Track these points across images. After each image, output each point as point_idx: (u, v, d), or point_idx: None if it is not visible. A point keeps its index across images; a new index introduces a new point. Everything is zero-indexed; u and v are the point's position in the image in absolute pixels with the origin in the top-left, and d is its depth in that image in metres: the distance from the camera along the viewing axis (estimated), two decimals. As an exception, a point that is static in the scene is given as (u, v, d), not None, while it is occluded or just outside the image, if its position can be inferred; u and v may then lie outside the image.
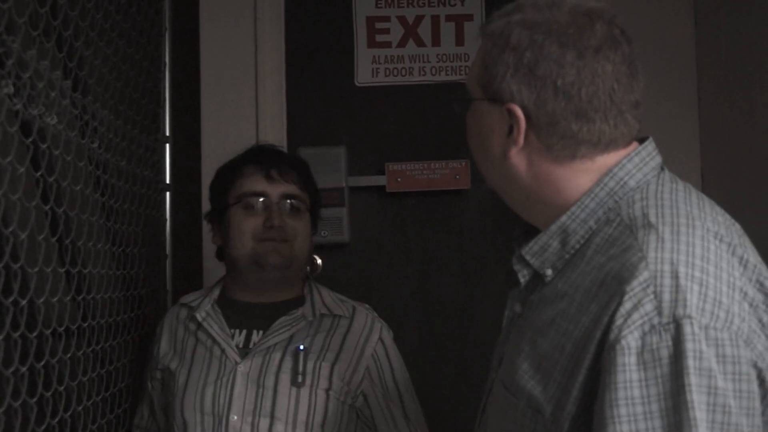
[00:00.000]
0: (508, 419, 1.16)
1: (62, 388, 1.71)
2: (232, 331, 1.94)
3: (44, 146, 1.63)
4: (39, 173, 1.62)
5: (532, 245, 1.20)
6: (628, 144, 1.18)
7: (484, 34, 1.20)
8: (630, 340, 1.00)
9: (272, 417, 1.84)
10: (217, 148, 2.56)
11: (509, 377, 1.17)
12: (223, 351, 1.90)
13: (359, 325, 1.96)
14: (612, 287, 1.04)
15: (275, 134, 2.59)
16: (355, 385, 1.90)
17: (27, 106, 1.55)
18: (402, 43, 2.71)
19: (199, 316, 1.94)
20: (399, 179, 2.62)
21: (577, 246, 1.16)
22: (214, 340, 1.92)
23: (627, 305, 1.01)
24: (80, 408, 1.82)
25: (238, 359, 1.88)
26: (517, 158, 1.18)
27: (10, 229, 1.46)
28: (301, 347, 1.88)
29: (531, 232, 1.25)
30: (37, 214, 1.58)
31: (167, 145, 2.54)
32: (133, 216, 2.22)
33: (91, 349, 1.90)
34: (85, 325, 1.86)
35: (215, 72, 2.60)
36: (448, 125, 2.67)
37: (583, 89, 1.13)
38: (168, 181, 2.54)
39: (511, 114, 1.16)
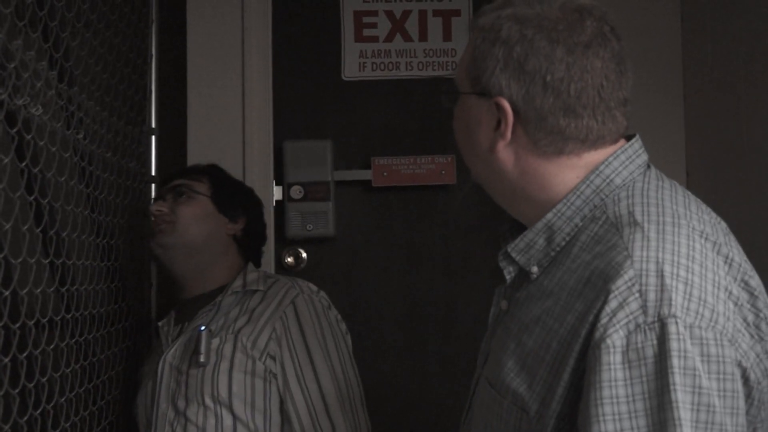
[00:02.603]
0: (494, 416, 1.16)
1: (45, 379, 1.70)
2: (177, 327, 2.03)
3: (29, 137, 1.62)
4: (23, 164, 1.61)
5: (517, 242, 1.20)
6: (615, 141, 1.18)
7: (474, 27, 1.20)
8: (615, 338, 1.00)
9: (186, 399, 1.90)
10: (203, 141, 2.57)
11: (495, 375, 1.17)
12: (161, 346, 2.01)
13: (273, 293, 1.99)
14: (597, 285, 1.04)
15: (261, 127, 2.59)
16: (260, 349, 1.90)
17: (12, 97, 1.54)
18: (389, 38, 2.71)
19: (160, 323, 2.07)
20: (385, 173, 2.62)
21: (563, 243, 1.16)
22: (160, 339, 2.05)
23: (612, 304, 1.01)
24: (63, 399, 1.81)
25: (165, 350, 1.98)
26: (504, 153, 1.18)
27: (-6, 220, 1.45)
28: (202, 328, 1.92)
29: (517, 228, 1.25)
30: (21, 205, 1.57)
31: (153, 137, 2.53)
32: (118, 208, 2.21)
33: (74, 340, 1.89)
34: (69, 316, 1.85)
35: (202, 65, 2.60)
36: (435, 120, 2.68)
37: (572, 85, 1.13)
38: (153, 173, 2.52)
39: (499, 108, 1.16)
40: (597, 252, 1.08)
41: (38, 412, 1.67)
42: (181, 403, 1.91)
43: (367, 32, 2.71)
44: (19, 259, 1.56)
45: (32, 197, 1.65)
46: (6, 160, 1.50)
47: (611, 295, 1.02)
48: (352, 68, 2.70)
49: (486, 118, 1.18)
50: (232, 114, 2.59)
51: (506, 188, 1.22)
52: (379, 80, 2.70)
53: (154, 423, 1.94)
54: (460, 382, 2.60)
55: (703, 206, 1.17)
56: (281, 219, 2.61)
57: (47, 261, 1.76)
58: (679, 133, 2.61)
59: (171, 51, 2.61)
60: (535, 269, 1.18)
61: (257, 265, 2.15)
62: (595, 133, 1.16)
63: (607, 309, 1.01)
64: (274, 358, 1.90)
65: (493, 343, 1.24)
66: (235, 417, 1.88)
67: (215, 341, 1.91)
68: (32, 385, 1.64)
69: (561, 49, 1.13)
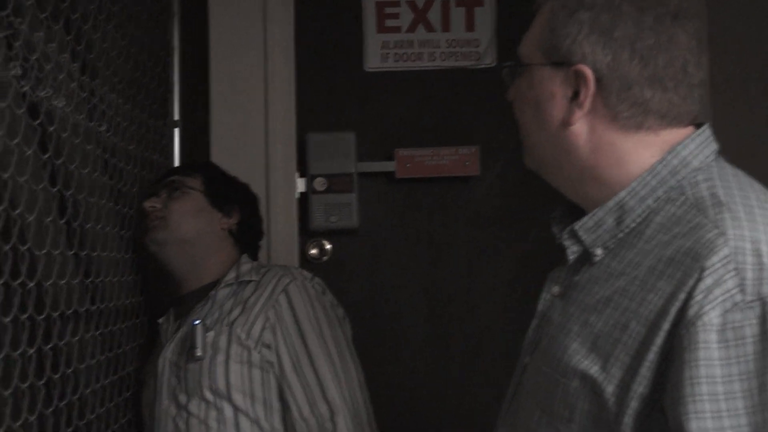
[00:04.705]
0: (554, 401, 1.12)
1: (70, 370, 1.71)
2: (176, 324, 2.04)
3: (52, 129, 1.63)
4: (46, 156, 1.62)
5: (586, 221, 1.16)
6: (688, 124, 1.15)
7: None
8: (712, 316, 0.97)
9: (187, 394, 1.91)
10: (226, 133, 2.57)
11: (555, 359, 1.13)
12: (162, 344, 2.03)
13: (265, 282, 1.98)
14: (686, 263, 1.01)
15: (284, 119, 2.59)
16: (255, 338, 1.90)
17: (35, 89, 1.55)
18: (411, 28, 2.69)
19: (160, 321, 2.08)
20: (408, 165, 2.61)
21: (632, 225, 1.12)
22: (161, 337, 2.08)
23: (707, 281, 0.98)
24: (88, 391, 1.82)
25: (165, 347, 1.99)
26: (579, 126, 1.14)
27: (18, 212, 1.45)
28: (196, 322, 1.92)
29: (571, 212, 1.23)
30: (44, 197, 1.58)
31: (176, 130, 2.53)
32: (142, 200, 2.21)
33: (99, 332, 1.90)
34: (94, 308, 1.86)
35: (224, 56, 2.59)
36: (458, 111, 2.66)
37: (661, 55, 1.10)
38: (177, 165, 2.53)
39: (579, 76, 1.12)
40: (677, 232, 1.05)
41: (64, 403, 1.68)
42: (182, 398, 1.92)
43: (389, 23, 2.69)
44: (43, 251, 1.57)
45: (55, 189, 1.66)
46: (29, 152, 1.51)
47: (705, 273, 0.98)
48: (374, 59, 2.69)
49: (561, 90, 1.15)
50: (255, 106, 2.58)
51: (574, 167, 1.17)
52: (402, 71, 2.69)
53: (157, 419, 1.95)
54: (483, 377, 2.59)
55: None
56: (305, 211, 2.60)
57: (71, 253, 1.77)
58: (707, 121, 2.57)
59: (193, 43, 2.61)
60: (599, 251, 1.14)
61: (254, 258, 2.15)
62: (675, 109, 1.12)
63: (702, 286, 0.98)
64: (269, 347, 1.90)
65: (548, 328, 1.20)
66: (235, 408, 1.88)
67: (210, 334, 1.92)
68: (57, 376, 1.64)
69: (649, 17, 1.10)
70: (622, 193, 1.13)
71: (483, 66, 2.67)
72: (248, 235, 2.16)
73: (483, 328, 2.63)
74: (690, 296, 0.99)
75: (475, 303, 2.64)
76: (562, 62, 1.14)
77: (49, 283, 1.60)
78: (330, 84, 2.69)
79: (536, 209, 2.60)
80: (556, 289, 1.22)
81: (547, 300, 1.25)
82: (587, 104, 1.13)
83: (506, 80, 1.24)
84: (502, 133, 2.60)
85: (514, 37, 1.29)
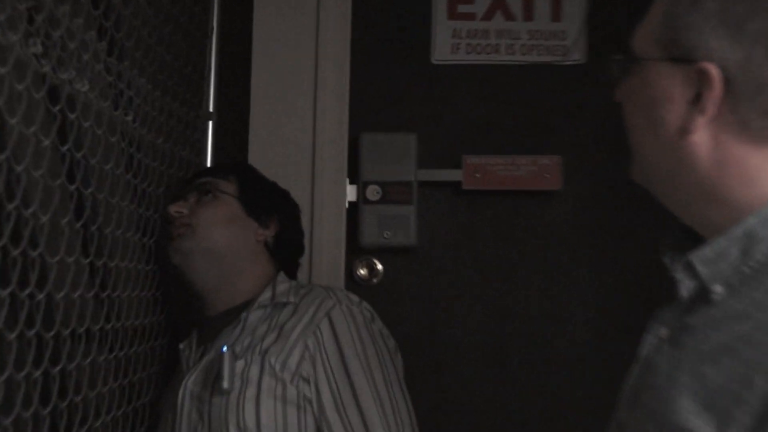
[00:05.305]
0: None
1: (80, 398, 1.71)
2: (199, 350, 2.03)
3: (73, 116, 1.63)
4: (65, 147, 1.62)
5: (706, 251, 1.12)
6: None
7: None
8: None
9: (210, 430, 1.90)
10: (267, 129, 2.58)
11: (660, 416, 1.10)
12: (182, 372, 2.02)
13: (305, 306, 1.97)
14: None
15: (335, 116, 2.59)
16: (291, 370, 1.89)
17: (56, 70, 1.55)
18: (488, 16, 2.68)
19: (181, 346, 2.07)
20: (478, 175, 2.59)
21: (762, 258, 1.09)
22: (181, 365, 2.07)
23: None
24: (98, 423, 1.81)
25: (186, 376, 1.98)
26: (701, 134, 1.11)
27: (31, 211, 1.45)
28: (224, 348, 1.91)
29: (684, 238, 1.20)
30: (61, 195, 1.58)
31: (210, 123, 2.54)
32: (168, 203, 2.21)
33: (113, 355, 1.90)
34: (109, 326, 1.86)
35: (270, 41, 2.60)
36: (539, 114, 2.64)
37: None
38: (209, 164, 2.53)
39: (702, 75, 1.10)
40: None
41: (70, 436, 1.67)
42: None
43: (462, 8, 2.68)
44: (56, 258, 1.56)
45: (74, 186, 1.66)
46: (46, 143, 1.51)
47: None
48: (443, 50, 2.68)
49: (680, 91, 1.12)
50: (302, 99, 2.59)
51: (691, 184, 1.15)
52: (475, 65, 2.67)
53: None
54: (560, 426, 2.56)
55: None
56: (354, 223, 2.59)
57: (87, 261, 1.77)
58: None
59: (235, 24, 2.62)
60: (719, 288, 1.11)
61: (292, 277, 2.14)
62: None
63: None
64: (307, 381, 1.89)
65: (651, 377, 1.17)
66: None
67: (240, 364, 1.91)
68: (65, 404, 1.64)
69: None
70: (752, 220, 1.10)
71: (570, 62, 2.65)
72: (287, 250, 2.16)
73: (561, 368, 2.60)
74: None
75: (552, 340, 2.61)
76: (682, 58, 1.11)
77: (60, 295, 1.60)
78: (390, 77, 2.69)
79: (630, 232, 2.59)
80: (663, 332, 1.19)
81: (652, 344, 1.21)
82: (711, 109, 1.10)
83: (614, 77, 1.22)
84: (590, 141, 2.57)
85: (607, 30, 1.26)
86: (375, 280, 2.63)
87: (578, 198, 2.60)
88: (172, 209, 2.06)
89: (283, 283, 2.05)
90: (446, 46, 2.68)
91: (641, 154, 1.20)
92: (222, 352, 1.91)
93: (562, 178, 2.57)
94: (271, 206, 2.14)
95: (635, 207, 2.49)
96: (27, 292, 1.45)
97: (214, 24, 2.53)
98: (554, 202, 2.62)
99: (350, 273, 2.62)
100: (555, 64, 2.65)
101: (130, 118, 1.95)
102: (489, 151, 2.62)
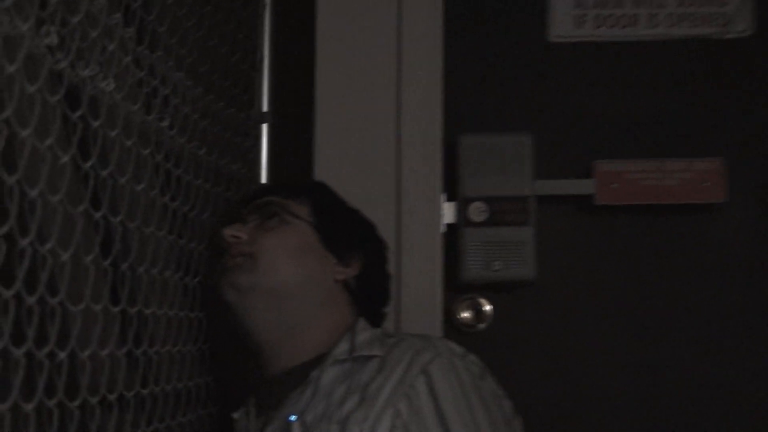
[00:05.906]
0: None
1: (112, 486, 1.73)
2: (260, 419, 2.04)
3: (96, 124, 1.65)
4: (89, 164, 1.64)
5: None
6: None
7: None
8: None
9: None
10: (338, 134, 2.60)
11: None
12: None
13: (395, 360, 1.94)
14: None
15: (425, 115, 2.61)
16: None
17: (75, 65, 1.57)
18: (622, -23, 2.69)
19: (236, 415, 2.10)
20: (614, 185, 2.59)
21: None
22: None
23: None
24: None
25: None
26: None
27: (48, 247, 1.47)
28: (292, 417, 1.91)
29: None
30: (84, 226, 1.59)
31: (264, 127, 2.57)
32: (218, 228, 2.23)
33: (152, 428, 1.91)
34: (146, 392, 1.88)
35: (338, 22, 2.62)
36: (693, 105, 2.63)
37: None
38: (264, 180, 2.55)
39: None
40: None
41: None
42: None
43: (587, -30, 2.71)
44: (80, 306, 1.58)
45: (99, 214, 1.68)
46: (65, 159, 1.52)
47: None
48: (564, 25, 2.70)
49: None
50: (381, 94, 2.61)
51: None
52: (605, 42, 2.70)
53: None
54: None
55: None
56: (454, 253, 2.61)
57: (117, 309, 1.79)
58: None
59: (294, 2, 2.64)
60: None
61: (376, 326, 2.13)
62: None
63: None
64: None
65: None
66: None
67: None
68: (94, 495, 1.66)
69: None
70: None
71: (732, 35, 2.65)
72: (371, 295, 2.16)
73: (719, 427, 2.60)
74: None
75: (714, 391, 2.60)
76: None
77: (86, 354, 1.61)
78: (495, 61, 2.71)
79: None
80: None
81: None
82: None
83: None
84: (761, 139, 2.57)
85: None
86: (482, 326, 2.64)
87: (747, 212, 2.60)
88: (228, 233, 2.06)
89: (364, 332, 2.05)
90: (568, 18, 2.70)
91: None
92: (290, 421, 1.92)
93: (725, 187, 2.56)
94: (355, 240, 2.14)
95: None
96: (46, 350, 1.46)
97: (268, 1, 2.56)
98: (717, 218, 2.62)
99: (450, 317, 2.64)
100: (713, 39, 2.66)
101: (165, 124, 1.97)
102: (628, 155, 2.63)
